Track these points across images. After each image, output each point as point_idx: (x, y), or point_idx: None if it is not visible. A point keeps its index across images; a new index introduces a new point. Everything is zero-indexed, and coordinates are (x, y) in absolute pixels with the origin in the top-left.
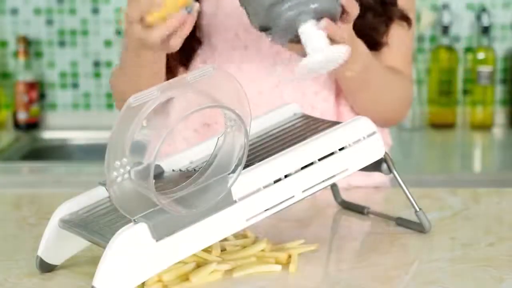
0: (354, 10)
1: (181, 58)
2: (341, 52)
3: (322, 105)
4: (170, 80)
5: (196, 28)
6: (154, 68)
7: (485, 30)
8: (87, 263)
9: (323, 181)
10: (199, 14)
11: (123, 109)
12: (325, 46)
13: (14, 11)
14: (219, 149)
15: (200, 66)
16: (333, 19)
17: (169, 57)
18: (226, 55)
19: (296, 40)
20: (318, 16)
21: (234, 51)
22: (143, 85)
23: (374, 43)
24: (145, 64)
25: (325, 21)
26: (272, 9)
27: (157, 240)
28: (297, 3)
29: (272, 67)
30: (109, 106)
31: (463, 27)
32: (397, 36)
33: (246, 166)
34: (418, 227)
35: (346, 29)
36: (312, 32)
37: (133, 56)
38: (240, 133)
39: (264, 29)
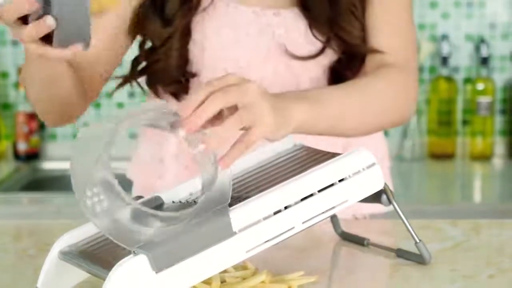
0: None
1: (173, 91)
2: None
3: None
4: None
5: (188, 62)
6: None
7: (484, 61)
8: None
9: (323, 212)
10: (189, 52)
11: (76, 142)
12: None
13: (15, 42)
14: (214, 180)
15: None
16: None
17: (160, 89)
18: None
19: None
20: None
21: None
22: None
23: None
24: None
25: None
26: None
27: (156, 272)
28: None
29: None
30: None
31: (462, 58)
32: (388, 14)
33: (246, 197)
34: (418, 259)
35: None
36: None
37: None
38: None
39: None
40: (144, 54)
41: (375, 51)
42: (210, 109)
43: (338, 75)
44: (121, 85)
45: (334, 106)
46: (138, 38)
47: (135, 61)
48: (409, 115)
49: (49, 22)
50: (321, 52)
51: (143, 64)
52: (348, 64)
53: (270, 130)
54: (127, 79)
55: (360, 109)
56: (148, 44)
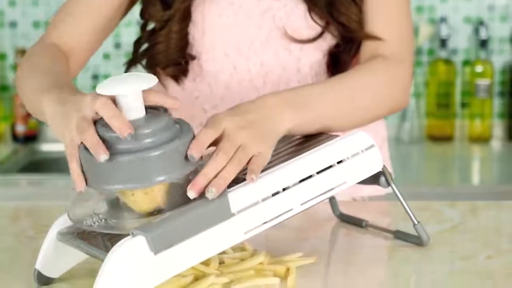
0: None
1: (172, 74)
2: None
3: None
4: None
5: (188, 44)
6: None
7: (483, 43)
8: (85, 276)
9: (322, 194)
10: (189, 35)
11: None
12: None
13: (13, 24)
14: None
15: (190, 84)
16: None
17: (161, 72)
18: (214, 74)
19: None
20: None
21: (222, 70)
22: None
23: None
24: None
25: None
26: None
27: (155, 253)
28: None
29: (262, 87)
30: None
31: (461, 40)
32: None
33: (244, 179)
34: (416, 240)
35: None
36: None
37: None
38: None
39: None
40: (145, 36)
41: (371, 37)
42: (217, 171)
43: (337, 59)
44: (127, 68)
45: (324, 106)
46: (140, 20)
47: (137, 43)
48: (402, 105)
49: (103, 156)
50: (319, 36)
51: (145, 46)
52: (346, 49)
53: (267, 159)
54: (131, 62)
55: (351, 105)
56: (150, 26)
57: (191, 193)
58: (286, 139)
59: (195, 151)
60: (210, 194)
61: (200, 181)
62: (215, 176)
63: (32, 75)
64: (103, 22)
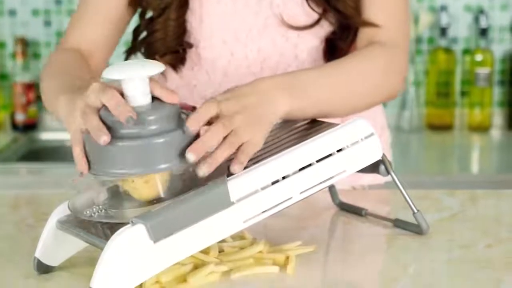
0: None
1: (170, 62)
2: None
3: None
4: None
5: (186, 32)
6: None
7: (483, 32)
8: (85, 264)
9: (321, 182)
10: (187, 22)
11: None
12: None
13: (12, 12)
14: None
15: (188, 72)
16: None
17: (159, 60)
18: (212, 61)
19: None
20: None
21: (220, 57)
22: None
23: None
24: None
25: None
26: None
27: (154, 242)
28: None
29: (259, 73)
30: None
31: (461, 28)
32: None
33: (244, 167)
34: (416, 229)
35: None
36: None
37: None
38: None
39: None
40: (144, 24)
41: (369, 24)
42: (215, 140)
43: (334, 46)
44: (127, 57)
45: (321, 91)
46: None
47: (136, 31)
48: (397, 92)
49: (103, 138)
50: (316, 23)
51: (144, 34)
52: (343, 36)
53: (259, 144)
54: (131, 51)
55: (348, 90)
56: (148, 14)
57: (191, 156)
58: (286, 126)
59: (193, 124)
60: (201, 172)
61: (198, 146)
62: (210, 158)
63: (52, 78)
64: (113, 22)
